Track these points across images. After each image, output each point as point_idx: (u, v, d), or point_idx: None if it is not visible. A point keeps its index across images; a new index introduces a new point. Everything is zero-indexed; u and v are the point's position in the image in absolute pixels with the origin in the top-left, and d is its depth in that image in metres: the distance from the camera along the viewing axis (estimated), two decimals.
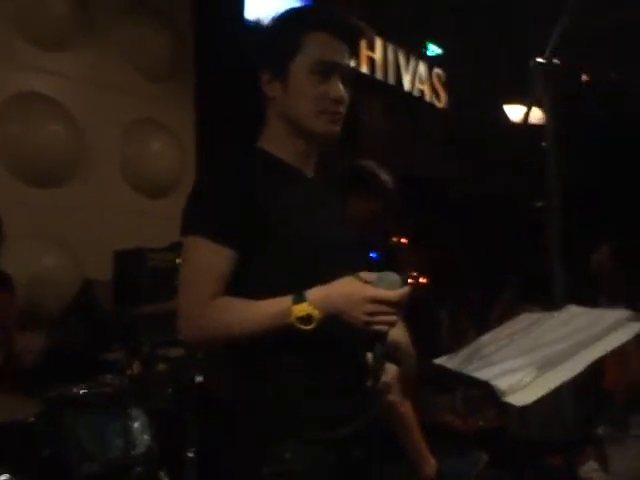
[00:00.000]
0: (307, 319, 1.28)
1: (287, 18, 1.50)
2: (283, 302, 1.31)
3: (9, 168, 3.87)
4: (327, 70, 1.43)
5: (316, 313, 1.28)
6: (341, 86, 1.44)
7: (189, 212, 1.40)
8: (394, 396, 2.93)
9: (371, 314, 1.27)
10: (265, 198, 1.38)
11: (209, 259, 1.34)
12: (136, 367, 2.67)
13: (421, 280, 6.51)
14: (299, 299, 1.29)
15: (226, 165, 1.43)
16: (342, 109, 1.46)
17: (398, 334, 1.43)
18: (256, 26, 1.57)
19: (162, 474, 2.47)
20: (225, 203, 1.36)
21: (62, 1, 4.12)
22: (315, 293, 1.31)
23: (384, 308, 1.27)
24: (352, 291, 1.30)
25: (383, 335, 1.29)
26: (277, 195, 1.40)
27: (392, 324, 1.29)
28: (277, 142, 1.48)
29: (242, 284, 1.36)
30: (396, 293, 1.27)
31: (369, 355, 1.33)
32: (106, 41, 4.39)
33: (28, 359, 2.88)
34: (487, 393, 1.22)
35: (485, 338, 1.49)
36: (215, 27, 4.83)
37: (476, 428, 4.29)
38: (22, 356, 2.88)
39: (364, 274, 1.32)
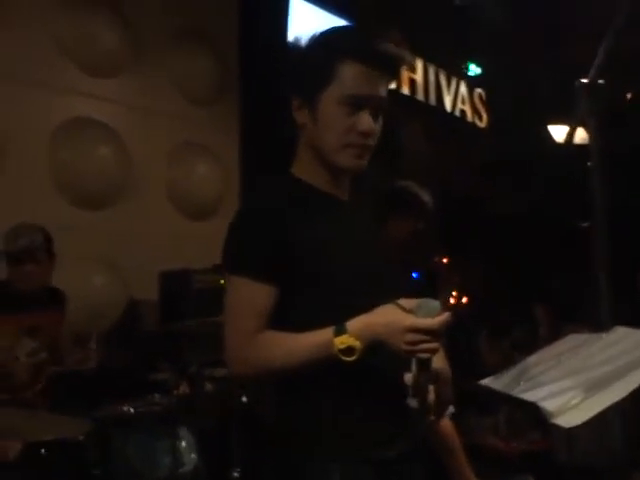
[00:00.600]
0: (349, 351, 1.30)
1: (322, 43, 1.44)
2: (324, 334, 1.32)
3: (60, 191, 3.99)
4: (358, 103, 1.39)
5: (357, 344, 1.30)
6: (370, 119, 1.40)
7: (228, 250, 1.44)
8: (434, 417, 2.90)
9: (412, 343, 1.27)
10: (298, 231, 1.39)
11: (250, 296, 1.38)
12: (183, 387, 2.71)
13: (463, 300, 6.46)
14: (340, 331, 1.31)
15: (260, 198, 1.46)
16: (371, 142, 1.43)
17: (437, 360, 1.43)
18: (292, 47, 1.52)
19: None
20: (259, 240, 1.38)
21: (113, 30, 4.27)
22: (355, 324, 1.32)
23: (424, 337, 1.27)
24: (392, 320, 1.30)
25: (426, 362, 1.30)
26: (310, 226, 1.41)
27: (434, 351, 1.29)
28: (308, 169, 1.48)
29: (283, 318, 1.39)
30: (435, 321, 1.27)
31: (407, 375, 1.33)
32: (154, 67, 4.53)
33: (81, 374, 2.93)
34: (531, 415, 1.22)
35: (532, 359, 1.48)
36: (259, 51, 4.92)
37: (520, 451, 4.21)
38: (73, 373, 2.93)
39: (403, 301, 1.32)
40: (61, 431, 2.12)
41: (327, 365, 1.35)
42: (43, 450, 1.98)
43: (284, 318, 1.39)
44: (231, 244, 1.44)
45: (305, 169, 1.49)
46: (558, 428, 1.14)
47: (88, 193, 4.12)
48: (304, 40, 1.46)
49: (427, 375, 1.31)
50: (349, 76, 1.38)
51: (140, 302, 4.13)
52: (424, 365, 1.30)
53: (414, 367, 1.30)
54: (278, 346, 1.36)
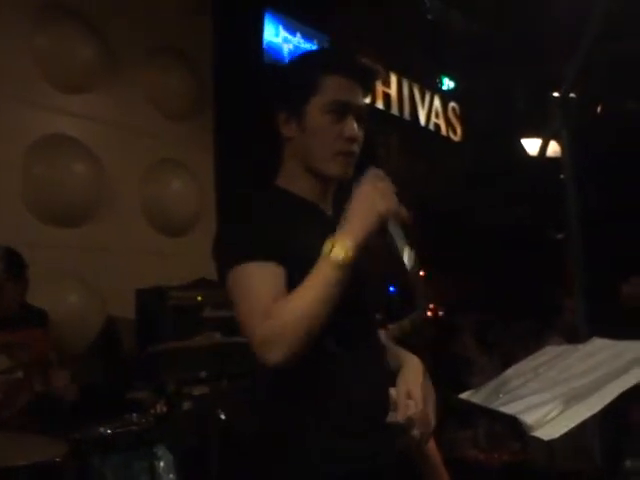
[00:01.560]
0: (342, 249, 1.30)
1: (303, 60, 1.55)
2: (320, 263, 1.31)
3: (34, 209, 3.94)
4: (341, 110, 1.45)
5: (348, 243, 1.31)
6: (355, 125, 1.46)
7: (228, 246, 1.41)
8: (416, 432, 2.91)
9: (384, 194, 1.34)
10: (287, 233, 1.40)
11: (267, 278, 1.34)
12: (161, 406, 2.67)
13: (439, 313, 6.49)
14: (327, 248, 1.31)
15: (251, 202, 1.45)
16: (356, 148, 1.48)
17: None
18: (273, 67, 1.61)
19: None
20: (261, 231, 1.37)
21: (87, 45, 4.24)
22: (336, 235, 1.33)
23: (385, 184, 1.35)
24: (361, 196, 1.35)
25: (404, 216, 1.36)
26: (297, 232, 1.42)
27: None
28: (294, 180, 1.51)
29: None
30: (378, 170, 1.38)
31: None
32: (129, 83, 4.51)
33: (64, 396, 2.89)
34: (510, 427, 1.22)
35: (509, 372, 1.49)
36: (234, 69, 4.93)
37: (500, 462, 4.23)
38: (53, 394, 2.89)
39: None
40: (36, 454, 2.08)
41: (306, 381, 1.35)
42: (18, 474, 1.94)
43: None
44: (231, 239, 1.41)
45: (291, 180, 1.51)
46: (539, 440, 1.14)
47: (62, 210, 4.07)
48: (291, 60, 1.56)
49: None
50: (331, 87, 1.45)
51: (117, 320, 4.09)
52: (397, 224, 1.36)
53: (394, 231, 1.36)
54: (296, 303, 1.29)
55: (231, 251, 1.39)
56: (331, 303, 1.30)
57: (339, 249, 1.30)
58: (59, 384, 2.94)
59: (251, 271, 1.34)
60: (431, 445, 3.11)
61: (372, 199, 1.33)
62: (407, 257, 1.36)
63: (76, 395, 2.90)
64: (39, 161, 3.97)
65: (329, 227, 1.49)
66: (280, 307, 1.30)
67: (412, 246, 1.36)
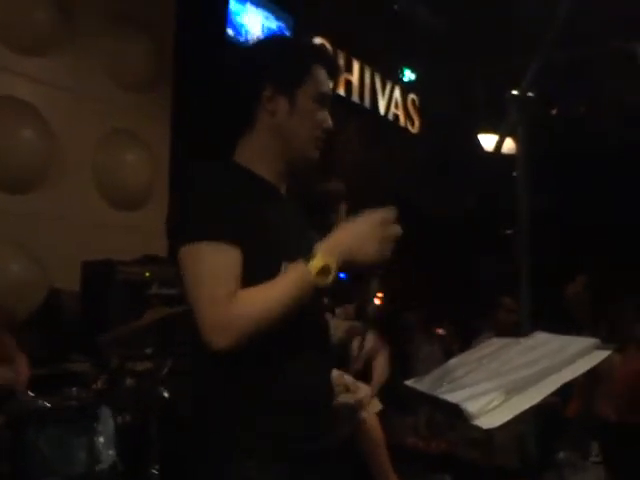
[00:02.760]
0: (325, 272, 1.31)
1: (298, 45, 1.64)
2: (297, 267, 1.32)
3: None
4: (324, 101, 1.52)
5: (331, 261, 1.31)
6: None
7: (183, 221, 1.37)
8: (365, 414, 2.96)
9: (381, 240, 1.34)
10: (249, 208, 1.38)
11: (221, 260, 1.32)
12: (102, 381, 2.63)
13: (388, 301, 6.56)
14: (310, 257, 1.31)
15: (210, 175, 1.42)
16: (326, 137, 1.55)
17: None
18: (264, 41, 1.62)
19: None
20: (219, 207, 1.35)
21: (44, 6, 4.11)
22: (323, 244, 1.34)
23: (389, 229, 1.36)
24: (359, 227, 1.36)
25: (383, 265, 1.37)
26: (258, 207, 1.41)
27: (399, 238, 1.37)
28: (257, 158, 1.49)
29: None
30: (390, 209, 1.38)
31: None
32: (87, 49, 4.40)
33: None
34: (452, 415, 1.24)
35: (453, 361, 1.51)
36: (196, 42, 4.85)
37: (439, 451, 4.32)
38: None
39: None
40: None
41: (250, 356, 1.33)
42: None
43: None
44: (188, 215, 1.37)
45: (253, 158, 1.49)
46: (477, 429, 1.16)
47: (9, 175, 3.96)
48: (277, 39, 1.71)
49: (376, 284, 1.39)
50: (319, 78, 1.52)
51: (61, 291, 4.00)
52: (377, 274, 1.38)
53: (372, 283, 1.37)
54: (257, 298, 1.30)
55: (187, 226, 1.36)
56: (291, 312, 1.31)
57: (323, 272, 1.31)
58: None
59: (207, 251, 1.32)
60: (376, 425, 3.16)
61: (369, 242, 1.34)
62: (370, 304, 1.41)
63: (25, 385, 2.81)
64: None
65: (284, 206, 1.52)
66: (241, 298, 1.29)
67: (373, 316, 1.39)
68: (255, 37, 5.27)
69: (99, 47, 4.47)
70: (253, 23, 5.30)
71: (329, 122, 1.52)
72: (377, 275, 1.38)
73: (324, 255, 1.31)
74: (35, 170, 4.11)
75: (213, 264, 1.31)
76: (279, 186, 1.53)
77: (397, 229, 1.37)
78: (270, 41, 1.67)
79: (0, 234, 3.78)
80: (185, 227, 1.36)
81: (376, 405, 3.09)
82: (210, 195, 1.36)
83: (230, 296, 1.29)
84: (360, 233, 1.35)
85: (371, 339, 1.50)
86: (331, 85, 1.56)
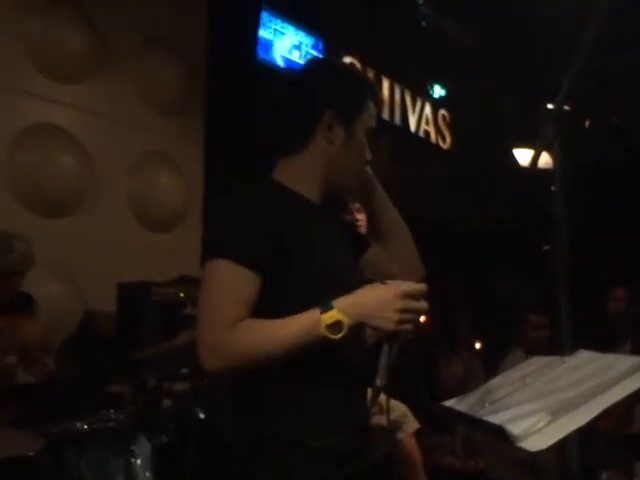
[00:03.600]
0: (337, 326, 1.27)
1: (358, 76, 1.66)
2: (310, 314, 1.29)
3: (18, 197, 3.90)
4: (370, 136, 1.54)
5: (346, 319, 1.28)
6: None
7: (211, 236, 1.39)
8: (401, 434, 2.92)
9: (404, 310, 1.29)
10: (286, 227, 1.38)
11: (234, 282, 1.31)
12: (139, 401, 2.64)
13: (421, 319, 6.49)
14: (327, 307, 1.28)
15: (245, 192, 1.43)
16: None
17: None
18: (326, 65, 1.62)
19: None
20: (249, 228, 1.35)
21: (79, 35, 4.21)
22: (342, 301, 1.30)
23: (414, 303, 1.30)
24: (382, 294, 1.31)
25: (404, 335, 1.32)
26: (297, 225, 1.41)
27: (425, 313, 1.34)
28: (299, 179, 1.49)
29: (259, 315, 1.33)
30: (422, 284, 1.33)
31: (382, 357, 1.32)
32: (120, 75, 4.47)
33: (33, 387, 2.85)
34: (496, 437, 1.21)
35: (495, 381, 1.48)
36: (227, 64, 4.90)
37: (477, 470, 4.24)
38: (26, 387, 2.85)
39: (386, 281, 1.35)
40: (10, 448, 2.04)
41: (290, 380, 1.33)
42: None
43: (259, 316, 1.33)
44: (215, 230, 1.39)
45: (294, 178, 1.49)
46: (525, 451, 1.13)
47: (47, 200, 4.03)
48: (340, 67, 1.69)
49: (396, 353, 1.32)
50: (372, 112, 1.54)
51: (97, 313, 4.04)
52: (397, 340, 1.31)
53: (386, 348, 1.31)
54: (260, 332, 1.29)
55: (214, 243, 1.38)
56: (294, 354, 1.29)
57: (335, 327, 1.28)
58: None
59: (222, 270, 1.32)
60: (413, 447, 3.11)
61: (390, 311, 1.30)
62: (381, 377, 1.32)
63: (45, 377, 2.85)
64: (26, 150, 3.95)
65: (324, 222, 1.51)
66: (244, 333, 1.28)
67: (392, 369, 1.32)
68: (286, 57, 5.31)
69: (132, 72, 4.55)
70: (283, 44, 5.35)
71: (370, 156, 1.55)
72: (395, 343, 1.32)
73: (340, 311, 1.29)
74: (72, 194, 4.19)
75: (227, 285, 1.31)
76: (319, 205, 1.53)
77: (424, 305, 1.32)
78: (332, 67, 1.66)
79: (38, 257, 3.83)
80: (211, 243, 1.38)
81: (412, 424, 3.04)
82: (241, 216, 1.37)
83: (234, 320, 1.29)
84: (384, 299, 1.31)
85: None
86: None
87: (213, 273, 1.34)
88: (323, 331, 1.27)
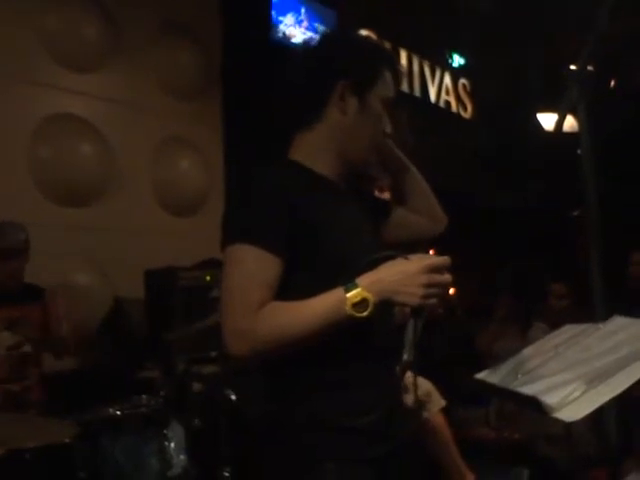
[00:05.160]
0: (362, 304, 1.25)
1: (372, 45, 1.57)
2: (335, 293, 1.27)
3: (42, 188, 3.93)
4: (389, 106, 1.49)
5: (370, 297, 1.25)
6: None
7: (232, 220, 1.36)
8: (426, 413, 2.90)
9: (428, 284, 1.26)
10: (306, 209, 1.35)
11: (256, 266, 1.29)
12: (170, 386, 2.66)
13: (450, 291, 6.45)
14: (351, 286, 1.26)
15: (266, 175, 1.40)
16: None
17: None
18: (338, 36, 1.58)
19: None
20: (271, 211, 1.33)
21: (93, 23, 4.20)
22: (365, 279, 1.28)
23: (438, 277, 1.27)
24: (404, 268, 1.28)
25: (430, 309, 1.29)
26: (318, 207, 1.38)
27: (449, 286, 1.32)
28: (316, 156, 1.46)
29: (283, 297, 1.31)
30: (446, 258, 1.29)
31: (408, 331, 1.30)
32: (136, 62, 4.46)
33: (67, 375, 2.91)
34: (530, 408, 1.18)
35: (527, 351, 1.45)
36: (242, 46, 4.87)
37: (512, 441, 4.21)
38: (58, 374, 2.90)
39: (409, 256, 1.32)
40: (46, 436, 2.06)
41: (321, 359, 1.31)
42: (27, 455, 1.92)
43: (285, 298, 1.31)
44: (236, 215, 1.36)
45: (312, 155, 1.47)
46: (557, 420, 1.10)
47: (70, 190, 4.06)
48: (352, 37, 1.60)
49: (421, 325, 1.30)
50: (387, 81, 1.49)
51: (126, 300, 4.08)
52: (423, 314, 1.28)
53: (412, 323, 1.29)
54: (285, 314, 1.28)
55: (234, 226, 1.35)
56: (321, 335, 1.28)
57: (360, 305, 1.25)
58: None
59: (243, 254, 1.30)
60: (442, 424, 3.09)
61: (414, 286, 1.27)
62: (407, 352, 1.29)
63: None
64: (46, 141, 3.96)
65: (346, 201, 1.48)
66: (267, 315, 1.27)
67: (417, 345, 1.29)
68: (301, 37, 5.25)
69: (148, 58, 4.53)
70: (297, 22, 5.29)
71: (389, 128, 1.50)
72: (421, 318, 1.29)
73: (365, 289, 1.26)
74: (95, 183, 4.21)
75: (249, 269, 1.29)
76: (338, 181, 1.50)
77: (447, 278, 1.29)
78: (345, 38, 1.60)
79: (65, 247, 3.87)
80: (230, 228, 1.35)
81: (438, 402, 3.02)
82: (261, 199, 1.34)
83: (258, 305, 1.27)
84: (407, 274, 1.28)
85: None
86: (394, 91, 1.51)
87: (234, 258, 1.32)
88: (349, 310, 1.25)
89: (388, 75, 1.49)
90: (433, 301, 1.28)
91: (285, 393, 1.39)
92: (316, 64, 1.49)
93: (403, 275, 1.28)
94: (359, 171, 1.54)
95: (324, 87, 1.45)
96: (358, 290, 1.26)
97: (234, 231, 1.34)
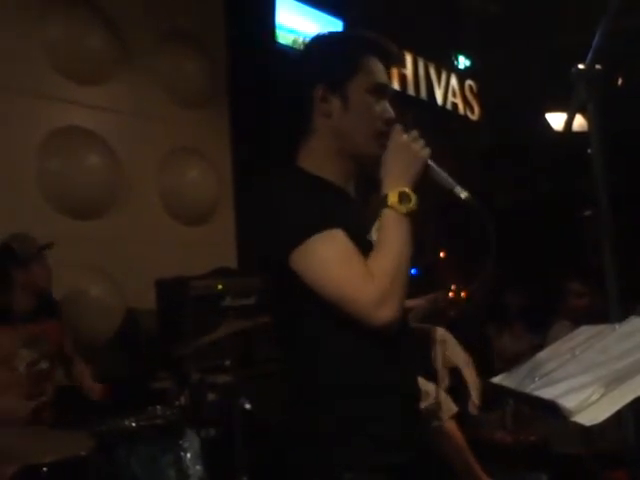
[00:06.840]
0: (405, 197, 1.37)
1: (346, 38, 1.60)
2: (383, 215, 1.37)
3: (51, 201, 3.93)
4: (382, 91, 1.48)
5: (402, 188, 1.37)
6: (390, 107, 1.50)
7: (282, 228, 1.35)
8: (436, 422, 2.89)
9: (415, 140, 1.42)
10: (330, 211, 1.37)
11: (342, 243, 1.32)
12: (185, 397, 2.66)
13: (462, 294, 6.41)
14: (384, 200, 1.37)
15: (291, 179, 1.43)
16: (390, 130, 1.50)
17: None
18: (311, 42, 1.59)
19: None
20: (315, 202, 1.35)
21: (97, 34, 4.20)
22: (385, 187, 1.39)
23: (414, 132, 1.45)
24: (395, 151, 1.41)
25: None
26: (335, 211, 1.38)
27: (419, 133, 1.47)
28: (320, 161, 1.47)
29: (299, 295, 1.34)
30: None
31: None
32: (141, 72, 4.46)
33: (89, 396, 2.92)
34: (547, 413, 1.17)
35: (543, 354, 1.44)
36: (248, 52, 4.87)
37: (529, 443, 4.19)
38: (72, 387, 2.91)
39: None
40: (62, 449, 2.07)
41: (341, 369, 1.33)
42: (44, 469, 1.92)
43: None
44: (288, 217, 1.35)
45: (316, 161, 1.47)
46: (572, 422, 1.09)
47: (79, 202, 4.06)
48: (323, 38, 1.57)
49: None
50: (372, 68, 1.48)
51: (137, 311, 4.08)
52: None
53: (433, 168, 1.45)
54: (388, 264, 1.32)
55: (290, 230, 1.33)
56: (410, 253, 1.35)
57: (404, 200, 1.36)
58: (84, 381, 2.96)
59: (324, 241, 1.31)
60: (455, 431, 3.07)
61: (413, 148, 1.40)
62: (459, 190, 1.43)
63: (100, 395, 2.92)
64: (54, 154, 3.96)
65: (355, 208, 1.49)
66: (376, 268, 1.31)
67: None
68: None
69: (153, 67, 4.53)
70: (303, 30, 5.28)
71: (389, 112, 1.47)
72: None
73: (392, 187, 1.37)
74: (104, 195, 4.21)
75: (340, 248, 1.32)
76: (348, 188, 1.50)
77: (414, 131, 1.43)
78: (316, 41, 1.58)
79: (76, 259, 3.88)
80: (288, 232, 1.34)
81: (450, 408, 3.00)
82: (303, 197, 1.36)
83: (369, 273, 1.30)
84: (400, 150, 1.40)
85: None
86: (386, 72, 1.50)
87: (319, 248, 1.31)
88: (403, 209, 1.36)
89: (373, 62, 1.47)
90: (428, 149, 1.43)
91: (310, 400, 1.39)
92: (294, 76, 1.52)
93: (400, 154, 1.41)
94: (368, 167, 1.50)
95: (304, 96, 1.46)
96: (391, 195, 1.37)
97: (300, 228, 1.33)
